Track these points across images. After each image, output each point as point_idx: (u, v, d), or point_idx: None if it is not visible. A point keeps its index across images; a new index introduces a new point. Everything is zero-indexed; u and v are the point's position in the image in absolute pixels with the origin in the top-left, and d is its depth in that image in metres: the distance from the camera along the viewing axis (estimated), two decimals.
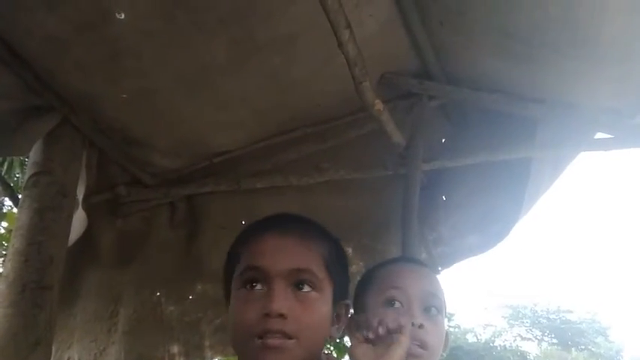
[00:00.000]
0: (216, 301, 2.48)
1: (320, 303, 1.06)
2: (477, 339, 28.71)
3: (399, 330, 1.06)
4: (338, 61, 1.71)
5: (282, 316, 1.00)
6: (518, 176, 2.27)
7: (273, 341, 1.00)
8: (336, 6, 1.47)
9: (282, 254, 1.05)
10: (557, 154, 2.28)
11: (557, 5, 1.68)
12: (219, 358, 3.06)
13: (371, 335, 1.08)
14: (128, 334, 2.39)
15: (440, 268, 2.55)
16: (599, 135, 2.18)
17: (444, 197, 2.53)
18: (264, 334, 1.00)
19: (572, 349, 27.28)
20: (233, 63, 1.97)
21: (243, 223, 2.57)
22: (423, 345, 1.24)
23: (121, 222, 2.50)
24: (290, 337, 1.01)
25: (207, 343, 2.49)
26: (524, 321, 29.10)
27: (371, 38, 1.94)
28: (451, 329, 26.57)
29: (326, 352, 1.16)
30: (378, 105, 1.89)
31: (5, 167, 4.58)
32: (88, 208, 2.34)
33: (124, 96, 2.01)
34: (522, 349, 28.74)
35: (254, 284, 1.04)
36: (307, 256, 1.07)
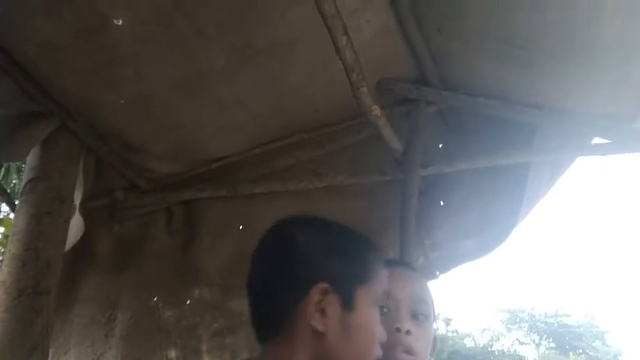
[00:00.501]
0: (213, 306, 2.47)
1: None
2: (475, 343, 28.69)
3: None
4: (335, 67, 1.72)
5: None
6: (516, 181, 2.27)
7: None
8: (333, 12, 1.48)
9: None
10: (554, 159, 2.28)
11: (554, 11, 1.69)
12: None
13: None
14: (125, 339, 2.38)
15: (438, 273, 2.55)
16: (597, 140, 2.19)
17: (441, 202, 2.53)
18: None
19: (570, 353, 27.28)
20: (231, 68, 1.97)
21: (241, 228, 2.58)
22: (409, 351, 1.22)
23: (118, 227, 2.50)
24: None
25: (204, 347, 2.48)
26: (522, 325, 29.11)
27: (368, 44, 1.94)
28: (449, 334, 26.55)
29: None
30: (376, 111, 1.89)
31: (2, 173, 4.57)
32: (85, 214, 2.33)
33: (122, 101, 2.01)
34: (520, 353, 28.74)
35: (382, 308, 1.13)
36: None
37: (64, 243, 2.12)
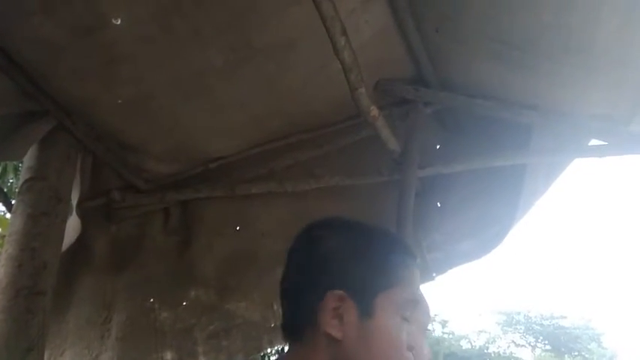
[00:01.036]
0: (210, 308, 2.47)
1: None
2: (471, 345, 28.75)
3: None
4: (333, 68, 1.72)
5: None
6: (512, 182, 2.28)
7: None
8: (332, 12, 1.48)
9: None
10: (551, 160, 2.29)
11: (551, 12, 1.69)
12: None
13: None
14: (121, 341, 2.37)
15: (434, 275, 2.56)
16: (594, 142, 2.19)
17: (438, 203, 2.54)
18: None
19: (566, 355, 27.36)
20: (229, 69, 1.97)
21: (238, 229, 2.57)
22: None
23: (115, 227, 2.49)
24: None
25: (200, 349, 2.48)
26: (518, 327, 29.17)
27: (366, 45, 1.95)
28: (445, 336, 26.61)
29: None
30: (374, 111, 1.90)
31: None
32: (81, 214, 2.33)
33: (120, 101, 2.00)
34: (516, 355, 28.80)
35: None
36: None
37: (61, 243, 2.11)
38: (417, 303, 1.05)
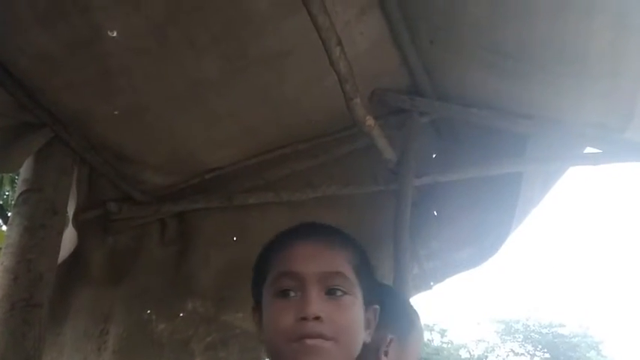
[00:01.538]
0: (206, 319, 2.46)
1: (354, 306, 1.05)
2: (470, 354, 28.62)
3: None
4: (329, 78, 1.73)
5: (318, 318, 0.99)
6: (509, 191, 2.29)
7: (312, 342, 0.99)
8: (327, 24, 1.49)
9: (314, 259, 1.05)
10: (547, 168, 2.30)
11: (545, 23, 1.71)
12: None
13: None
14: (118, 353, 2.36)
15: (432, 284, 2.56)
16: (589, 150, 2.21)
17: (435, 212, 2.54)
18: (301, 338, 0.99)
19: None
20: (225, 79, 1.98)
21: (235, 239, 2.57)
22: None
23: (112, 239, 2.48)
24: (328, 339, 0.99)
25: None
26: (517, 336, 29.06)
27: (362, 55, 1.96)
28: (444, 345, 26.49)
29: None
30: (369, 121, 1.91)
31: None
32: (78, 225, 2.32)
33: (116, 113, 2.01)
34: None
35: (288, 292, 1.04)
36: (338, 261, 1.07)
37: (57, 255, 2.11)
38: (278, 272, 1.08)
